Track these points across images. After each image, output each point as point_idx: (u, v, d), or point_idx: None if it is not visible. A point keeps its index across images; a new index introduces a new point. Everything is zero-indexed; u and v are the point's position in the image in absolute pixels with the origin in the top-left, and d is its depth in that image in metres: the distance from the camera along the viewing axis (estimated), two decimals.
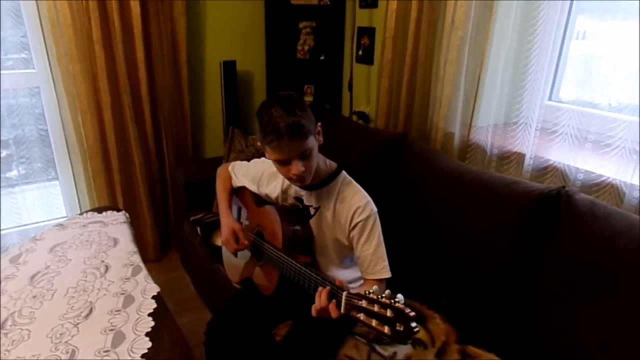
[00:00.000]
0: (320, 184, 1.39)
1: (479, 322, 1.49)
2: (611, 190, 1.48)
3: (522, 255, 1.42)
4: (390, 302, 0.98)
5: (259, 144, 1.32)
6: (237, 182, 1.67)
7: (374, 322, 1.00)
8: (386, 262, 1.35)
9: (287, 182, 1.45)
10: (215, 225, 2.14)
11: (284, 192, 1.50)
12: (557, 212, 1.36)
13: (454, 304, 1.57)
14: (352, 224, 1.35)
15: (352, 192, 1.37)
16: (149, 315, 1.31)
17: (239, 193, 1.70)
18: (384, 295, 1.01)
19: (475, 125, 1.90)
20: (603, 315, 1.21)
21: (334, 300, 1.12)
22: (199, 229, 2.17)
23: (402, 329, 0.95)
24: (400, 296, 0.99)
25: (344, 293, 1.09)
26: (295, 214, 1.46)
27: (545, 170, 1.67)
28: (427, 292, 1.61)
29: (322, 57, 2.78)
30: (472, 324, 1.48)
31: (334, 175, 1.40)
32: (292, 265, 1.30)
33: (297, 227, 1.44)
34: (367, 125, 2.31)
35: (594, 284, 1.25)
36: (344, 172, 1.41)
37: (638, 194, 1.39)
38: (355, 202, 1.35)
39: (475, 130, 1.91)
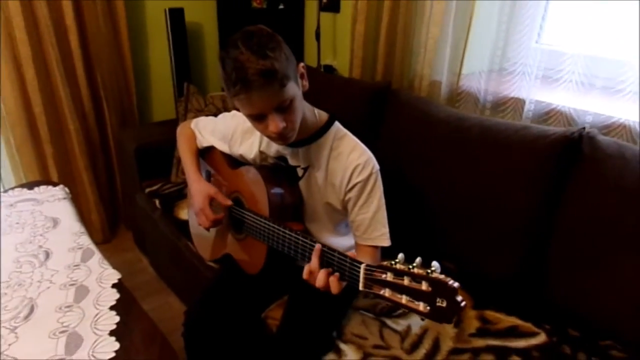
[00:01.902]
0: (309, 139, 1.15)
1: (493, 285, 1.35)
2: (623, 131, 1.36)
3: (541, 209, 1.27)
4: (426, 273, 0.79)
5: (223, 97, 1.05)
6: (204, 141, 1.39)
7: (404, 299, 0.82)
8: (387, 229, 1.15)
9: (265, 139, 1.21)
10: (177, 196, 1.86)
11: (263, 151, 1.24)
12: (579, 158, 1.22)
13: (461, 268, 1.42)
14: (350, 186, 1.13)
15: (348, 147, 1.15)
16: (111, 308, 1.04)
17: (206, 155, 1.42)
18: (414, 264, 0.82)
19: (465, 72, 1.72)
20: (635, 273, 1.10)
21: (336, 274, 0.93)
22: (157, 201, 1.86)
23: (444, 304, 0.77)
24: (435, 264, 0.80)
25: (362, 265, 0.88)
26: (281, 175, 1.22)
27: (548, 115, 1.53)
28: (428, 256, 1.43)
29: (281, 6, 2.49)
30: (485, 288, 1.34)
31: (325, 128, 1.16)
32: (285, 235, 1.07)
33: (285, 190, 1.20)
34: (344, 77, 2.07)
35: (626, 237, 1.13)
36: (337, 124, 1.17)
37: None
38: (353, 160, 1.13)
39: (465, 77, 1.74)
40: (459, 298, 0.77)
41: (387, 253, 1.15)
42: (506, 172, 1.33)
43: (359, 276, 0.89)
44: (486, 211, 1.36)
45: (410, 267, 0.83)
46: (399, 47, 1.88)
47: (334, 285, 0.92)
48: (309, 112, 1.14)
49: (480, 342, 1.15)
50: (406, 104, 1.66)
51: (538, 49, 1.56)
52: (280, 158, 1.22)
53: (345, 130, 1.17)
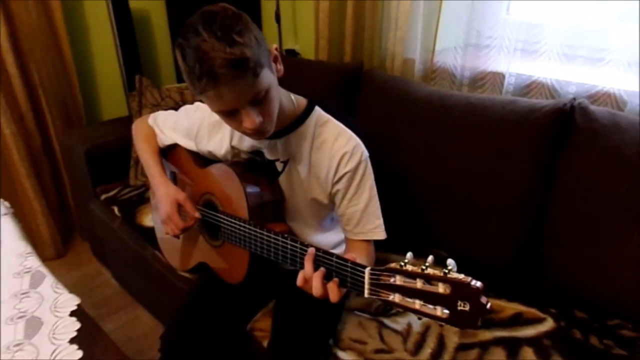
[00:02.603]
0: (287, 129, 1.02)
1: (489, 270, 1.27)
2: (608, 99, 1.31)
3: (535, 187, 1.20)
4: (444, 274, 0.69)
5: (181, 90, 0.89)
6: (165, 139, 1.23)
7: (417, 305, 0.72)
8: (381, 220, 1.04)
9: (236, 133, 1.06)
10: (139, 201, 1.68)
11: (235, 146, 1.10)
12: (573, 130, 1.16)
13: (454, 254, 1.34)
14: (337, 177, 1.01)
15: (332, 134, 1.02)
16: (72, 341, 0.89)
17: (168, 154, 1.26)
18: (427, 264, 0.73)
19: (439, 48, 1.63)
20: (636, 242, 1.05)
21: (335, 279, 0.82)
22: (116, 208, 1.67)
23: (467, 308, 0.68)
24: (451, 262, 0.71)
25: (367, 269, 0.77)
26: (258, 171, 1.09)
27: (529, 88, 1.46)
28: (418, 245, 1.35)
29: None
30: (482, 274, 1.26)
31: (304, 115, 1.03)
32: (270, 240, 0.94)
33: (264, 188, 1.07)
34: (311, 60, 1.94)
35: (626, 209, 1.07)
36: (317, 109, 1.04)
37: None
38: (339, 148, 1.00)
39: (440, 53, 1.65)
40: (484, 299, 0.68)
41: (380, 246, 1.06)
42: (496, 150, 1.25)
43: (363, 282, 0.79)
44: (477, 193, 1.29)
45: (423, 267, 0.73)
46: (368, 25, 1.77)
47: (334, 293, 0.80)
48: (285, 100, 1.00)
49: (487, 335, 1.07)
50: (382, 84, 1.55)
51: (509, 20, 1.49)
52: (256, 152, 1.09)
53: (327, 116, 1.04)
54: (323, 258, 0.84)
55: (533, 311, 1.14)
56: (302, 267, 0.86)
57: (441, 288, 0.70)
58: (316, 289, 0.81)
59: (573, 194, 1.16)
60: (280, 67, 0.93)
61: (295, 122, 1.02)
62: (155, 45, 2.37)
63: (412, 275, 0.74)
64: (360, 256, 0.96)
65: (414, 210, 1.40)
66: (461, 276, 0.69)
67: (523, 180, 1.21)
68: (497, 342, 1.05)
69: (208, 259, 1.18)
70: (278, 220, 1.09)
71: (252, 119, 0.86)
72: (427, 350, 1.05)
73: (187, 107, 1.20)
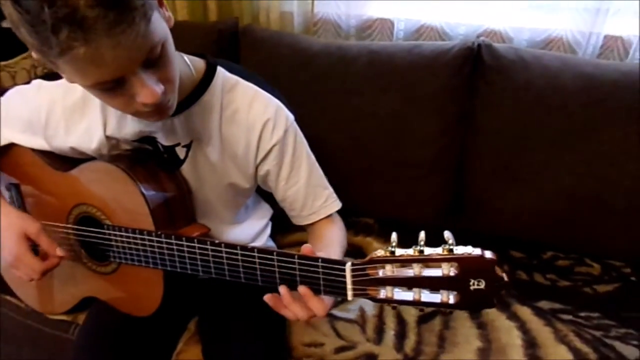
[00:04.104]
0: (186, 101, 0.75)
1: (417, 227, 1.20)
2: (495, 37, 1.31)
3: (453, 132, 1.15)
4: (449, 251, 0.57)
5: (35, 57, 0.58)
6: None
7: (418, 296, 0.60)
8: (329, 189, 0.87)
9: (111, 115, 0.77)
10: None
11: (112, 136, 0.79)
12: (482, 69, 1.12)
13: (381, 221, 1.24)
14: (262, 154, 0.80)
15: (245, 99, 0.79)
16: None
17: (1, 160, 0.89)
18: (420, 242, 0.60)
19: None
20: (555, 172, 1.07)
21: (304, 289, 0.65)
22: None
23: (482, 285, 0.57)
24: (448, 234, 0.59)
25: (347, 266, 0.61)
26: (153, 164, 0.81)
27: (419, 33, 1.39)
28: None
29: None
30: (409, 231, 1.19)
31: (206, 80, 0.77)
32: (193, 251, 0.71)
33: (167, 183, 0.80)
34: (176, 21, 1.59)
35: (541, 141, 1.08)
36: (221, 71, 0.79)
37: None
38: (257, 116, 0.78)
39: (320, 3, 1.48)
40: (501, 273, 0.57)
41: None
42: (408, 100, 1.16)
43: (344, 282, 0.62)
44: (394, 150, 1.19)
45: (419, 248, 0.59)
46: None
47: (320, 309, 0.62)
48: (179, 62, 0.73)
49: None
50: (266, 42, 1.33)
51: None
52: (144, 140, 0.80)
53: (235, 78, 0.80)
54: (284, 263, 0.64)
55: None
56: (250, 279, 0.66)
57: (445, 269, 0.58)
58: (298, 313, 0.63)
59: (491, 136, 1.13)
60: (169, 13, 0.66)
61: (195, 91, 0.76)
62: None
63: (407, 261, 0.59)
64: (325, 243, 0.79)
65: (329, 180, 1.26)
66: (468, 249, 0.58)
67: (441, 127, 1.15)
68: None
69: (97, 292, 0.87)
70: (189, 221, 0.84)
71: (150, 88, 0.59)
72: (390, 334, 0.93)
73: (20, 88, 0.84)
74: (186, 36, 1.36)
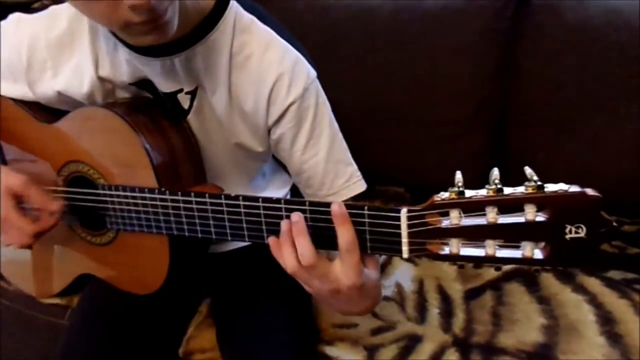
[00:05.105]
0: (190, 37, 0.62)
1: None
2: None
3: (492, 85, 1.01)
4: (535, 189, 0.44)
5: None
6: None
7: (499, 252, 0.47)
8: (354, 165, 0.72)
9: (102, 52, 0.65)
10: None
11: (105, 77, 0.67)
12: (526, 9, 0.98)
13: (414, 192, 1.11)
14: (276, 114, 0.66)
15: (260, 44, 0.64)
16: None
17: None
18: (494, 180, 0.46)
19: None
20: (616, 125, 0.93)
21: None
22: None
23: (583, 233, 0.43)
24: (529, 170, 0.46)
25: (403, 211, 0.48)
26: (155, 113, 0.68)
27: None
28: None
29: None
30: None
31: (215, 14, 0.63)
32: (205, 209, 0.58)
33: (172, 134, 0.67)
34: None
35: (599, 86, 0.93)
36: (235, 5, 0.65)
37: None
38: (271, 65, 0.64)
39: None
40: (604, 213, 0.44)
41: None
42: (440, 49, 1.01)
43: (399, 234, 0.48)
44: (424, 108, 1.05)
45: (496, 186, 0.46)
46: None
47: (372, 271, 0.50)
48: None
49: (491, 272, 0.86)
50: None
51: None
52: (141, 83, 0.67)
53: (250, 17, 0.65)
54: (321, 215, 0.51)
55: None
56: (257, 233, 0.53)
57: (530, 213, 0.45)
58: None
59: (538, 86, 0.98)
60: None
61: (201, 26, 0.62)
62: None
63: (480, 204, 0.46)
64: None
65: (355, 149, 1.12)
66: (564, 186, 0.45)
67: (477, 79, 1.01)
68: (509, 277, 0.85)
69: (93, 268, 0.75)
70: (199, 180, 0.71)
71: None
72: (434, 312, 0.80)
73: None
74: None
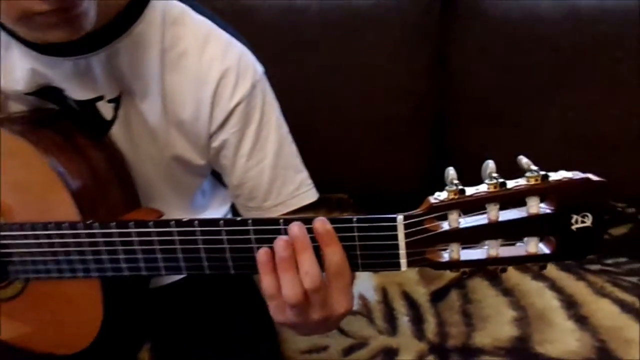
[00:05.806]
0: (110, 30, 0.50)
1: (399, 197, 1.04)
2: None
3: (427, 80, 1.00)
4: (540, 178, 0.40)
5: None
6: None
7: (502, 251, 0.43)
8: (305, 172, 0.64)
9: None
10: None
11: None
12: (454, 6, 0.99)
13: (357, 196, 1.06)
14: (220, 118, 0.57)
15: (197, 37, 0.55)
16: None
17: None
18: (491, 174, 0.42)
19: None
20: (546, 111, 0.97)
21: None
22: None
23: (589, 222, 0.41)
24: (524, 159, 0.42)
25: (399, 218, 0.41)
26: (68, 127, 0.55)
27: None
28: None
29: None
30: (391, 203, 1.02)
31: (139, 3, 0.52)
32: (145, 241, 0.47)
33: (92, 152, 0.55)
34: None
35: (526, 75, 0.96)
36: None
37: None
38: (213, 61, 0.55)
39: None
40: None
41: None
42: (372, 47, 0.98)
43: (395, 245, 0.42)
44: (362, 108, 1.01)
45: (496, 180, 0.42)
46: None
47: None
48: None
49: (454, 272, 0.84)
50: None
51: None
52: (43, 91, 0.54)
53: (180, 5, 0.55)
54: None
55: None
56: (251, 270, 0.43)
57: (532, 207, 0.41)
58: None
59: (470, 83, 1.00)
60: None
61: (123, 15, 0.51)
62: None
63: (481, 202, 0.41)
64: None
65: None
66: (567, 173, 0.42)
67: (412, 79, 0.99)
68: (470, 273, 0.82)
69: None
70: (132, 205, 0.59)
71: None
72: (404, 320, 0.75)
73: None
74: None
